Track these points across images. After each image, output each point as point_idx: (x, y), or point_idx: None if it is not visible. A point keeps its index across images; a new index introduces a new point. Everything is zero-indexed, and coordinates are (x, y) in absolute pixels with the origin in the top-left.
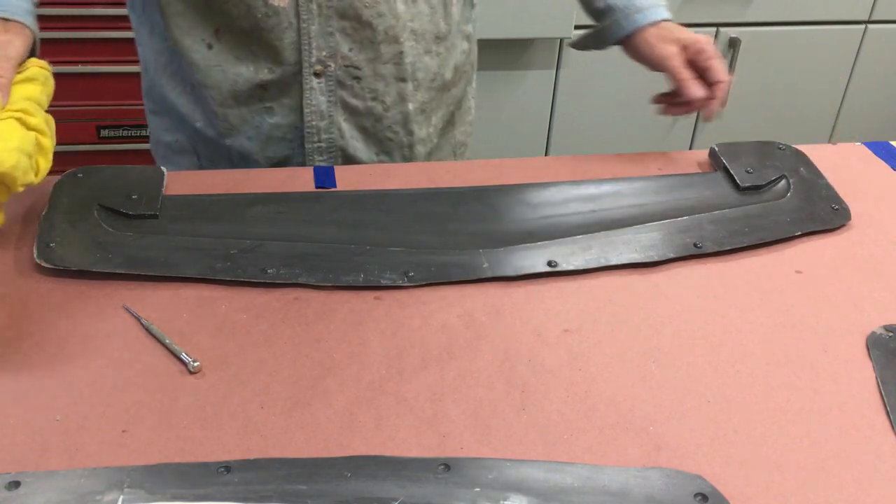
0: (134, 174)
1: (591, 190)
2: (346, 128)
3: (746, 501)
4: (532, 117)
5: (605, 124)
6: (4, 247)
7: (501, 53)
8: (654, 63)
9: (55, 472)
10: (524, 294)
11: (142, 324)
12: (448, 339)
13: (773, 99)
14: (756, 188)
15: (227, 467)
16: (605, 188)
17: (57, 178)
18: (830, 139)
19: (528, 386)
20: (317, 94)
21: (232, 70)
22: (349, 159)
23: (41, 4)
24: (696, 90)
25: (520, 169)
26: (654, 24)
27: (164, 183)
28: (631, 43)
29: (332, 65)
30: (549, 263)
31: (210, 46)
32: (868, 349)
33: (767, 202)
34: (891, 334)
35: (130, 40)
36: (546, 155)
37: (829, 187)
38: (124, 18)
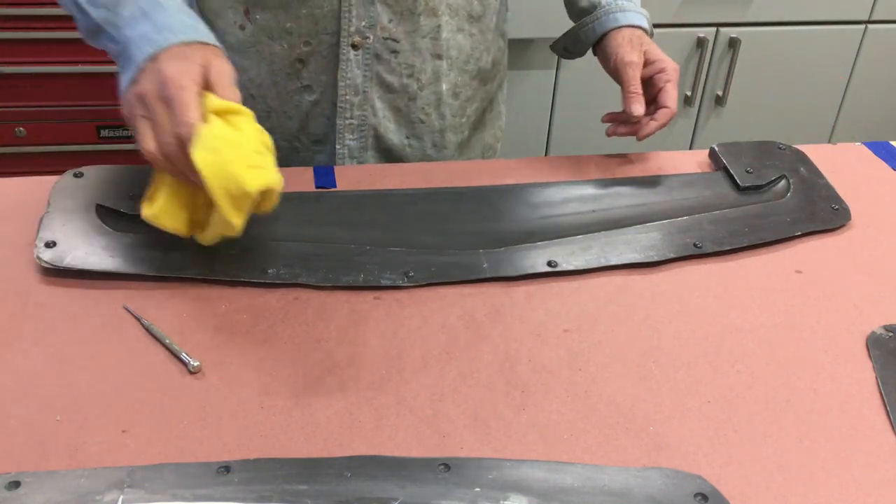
0: (134, 174)
1: (591, 190)
2: (380, 106)
3: (746, 501)
4: (532, 117)
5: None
6: (4, 247)
7: None
8: (614, 65)
9: (55, 472)
10: (524, 294)
11: (142, 324)
12: (448, 340)
13: (773, 99)
14: (756, 188)
15: (227, 467)
16: (605, 188)
17: (57, 178)
18: (830, 139)
19: (528, 386)
20: (353, 67)
21: (267, 50)
22: (380, 139)
23: (41, 4)
24: (636, 107)
25: (520, 169)
26: (632, 27)
27: None
28: (602, 43)
29: (371, 36)
30: (549, 263)
31: (242, 28)
32: (868, 349)
33: (767, 202)
34: (891, 334)
35: None
36: (546, 155)
37: (829, 187)
38: None
